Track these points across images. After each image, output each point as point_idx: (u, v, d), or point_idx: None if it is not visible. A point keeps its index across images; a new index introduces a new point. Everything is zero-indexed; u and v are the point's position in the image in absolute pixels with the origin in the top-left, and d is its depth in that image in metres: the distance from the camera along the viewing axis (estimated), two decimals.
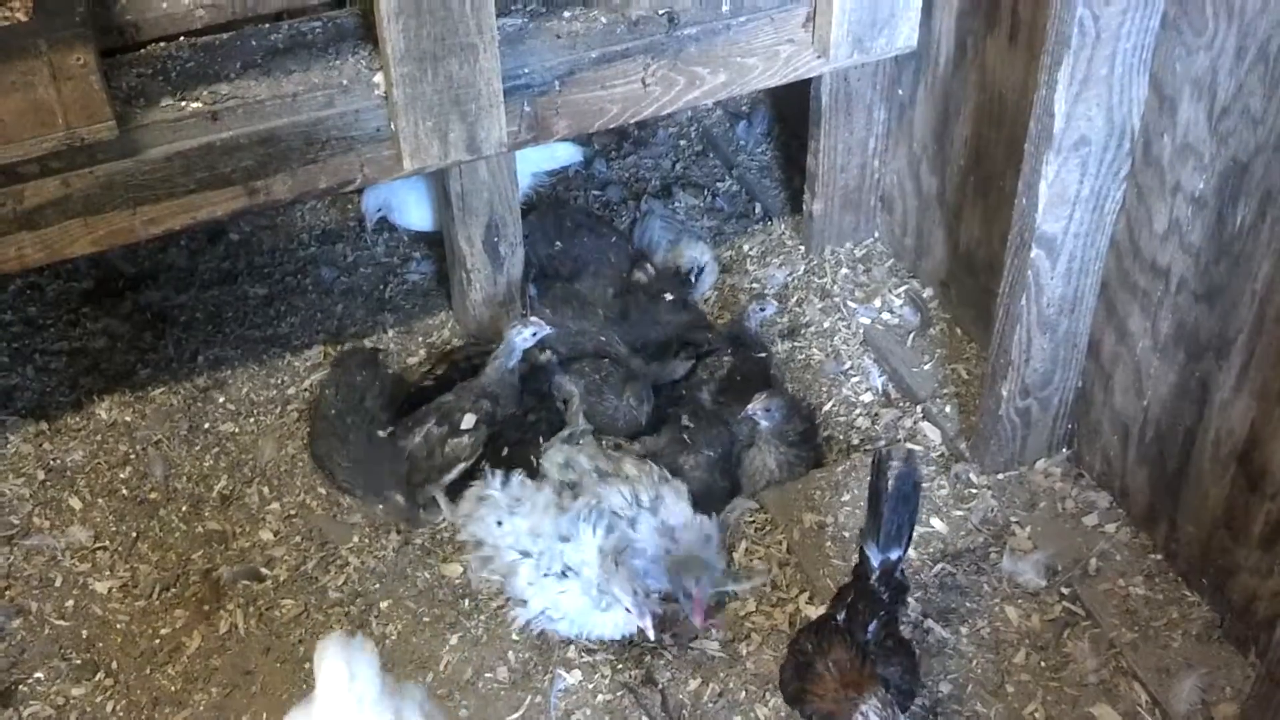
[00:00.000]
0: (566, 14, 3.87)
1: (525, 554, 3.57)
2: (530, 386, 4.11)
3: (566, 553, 3.51)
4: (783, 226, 4.96)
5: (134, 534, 3.97)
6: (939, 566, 3.77)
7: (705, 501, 3.80)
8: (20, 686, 3.60)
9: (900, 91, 4.40)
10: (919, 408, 4.22)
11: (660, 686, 3.56)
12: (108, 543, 3.94)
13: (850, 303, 4.60)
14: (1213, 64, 3.11)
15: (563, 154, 5.01)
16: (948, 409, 4.18)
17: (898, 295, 4.59)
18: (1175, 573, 3.68)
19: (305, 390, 4.38)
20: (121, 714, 3.55)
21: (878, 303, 4.57)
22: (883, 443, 4.12)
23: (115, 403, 4.33)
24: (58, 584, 3.84)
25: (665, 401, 4.19)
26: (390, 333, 4.60)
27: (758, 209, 5.07)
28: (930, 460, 4.06)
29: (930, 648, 3.59)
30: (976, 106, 4.03)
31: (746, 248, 4.89)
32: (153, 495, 4.07)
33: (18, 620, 3.75)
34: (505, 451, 3.93)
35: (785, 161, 5.23)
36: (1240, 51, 3.03)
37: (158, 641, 3.70)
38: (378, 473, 3.91)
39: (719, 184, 5.21)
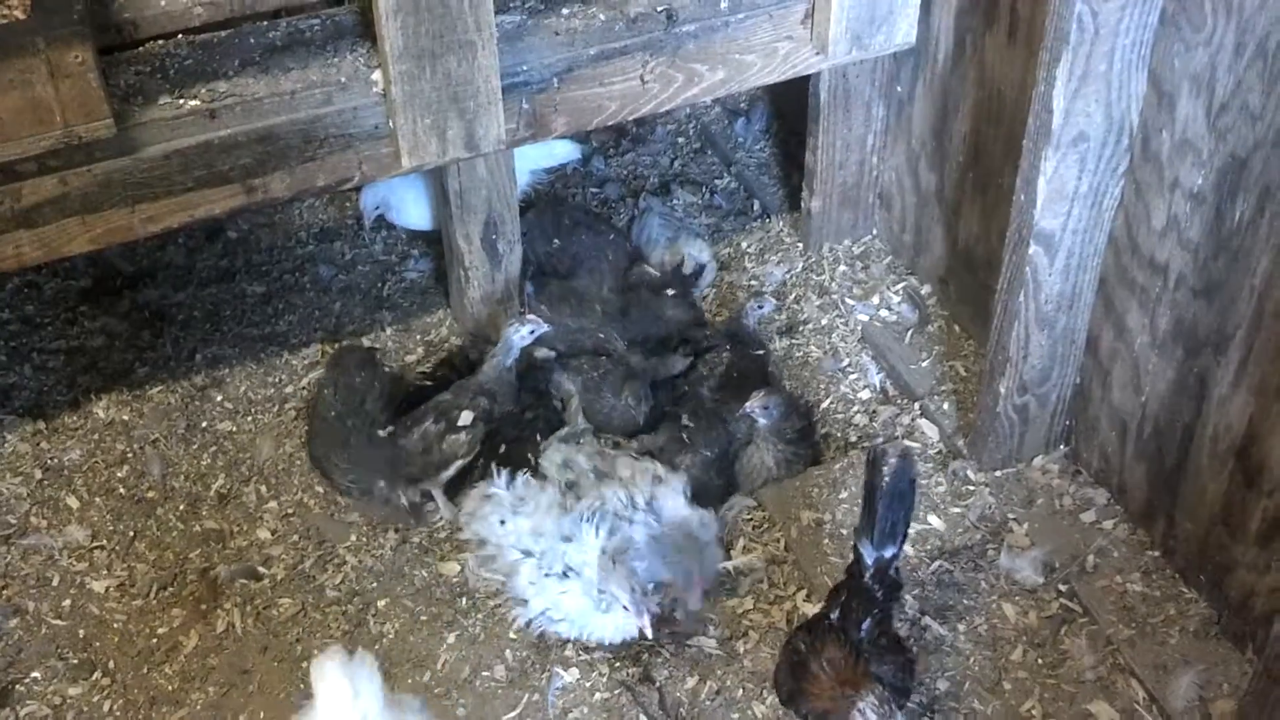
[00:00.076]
0: (565, 11, 3.87)
1: (527, 554, 3.57)
2: (528, 384, 4.11)
3: (568, 553, 3.50)
4: (781, 224, 4.96)
5: (131, 533, 3.96)
6: (936, 564, 3.77)
7: (701, 499, 3.80)
8: (17, 686, 3.60)
9: (899, 88, 4.40)
10: (917, 405, 4.22)
11: (658, 684, 3.56)
12: (105, 542, 3.94)
13: (848, 300, 4.59)
14: (1211, 60, 3.11)
15: (561, 151, 5.00)
16: (946, 406, 4.18)
17: (896, 292, 4.59)
18: (1173, 569, 3.68)
19: (303, 389, 4.38)
20: (119, 713, 3.55)
21: (876, 300, 4.57)
22: (880, 440, 4.12)
23: (113, 401, 4.33)
24: (55, 583, 3.84)
25: (665, 399, 4.19)
26: (388, 331, 4.60)
27: (756, 206, 5.07)
28: (928, 457, 4.06)
29: (927, 645, 3.59)
30: (975, 103, 4.03)
31: (745, 245, 4.89)
32: (150, 494, 4.07)
33: (15, 620, 3.74)
34: (502, 449, 3.93)
35: (784, 158, 5.23)
36: (1239, 48, 3.03)
37: (155, 641, 3.70)
38: (378, 472, 3.91)
39: (717, 181, 5.21)
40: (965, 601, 3.69)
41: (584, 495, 3.68)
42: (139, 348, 4.52)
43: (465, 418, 3.92)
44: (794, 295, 4.65)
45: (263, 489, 4.08)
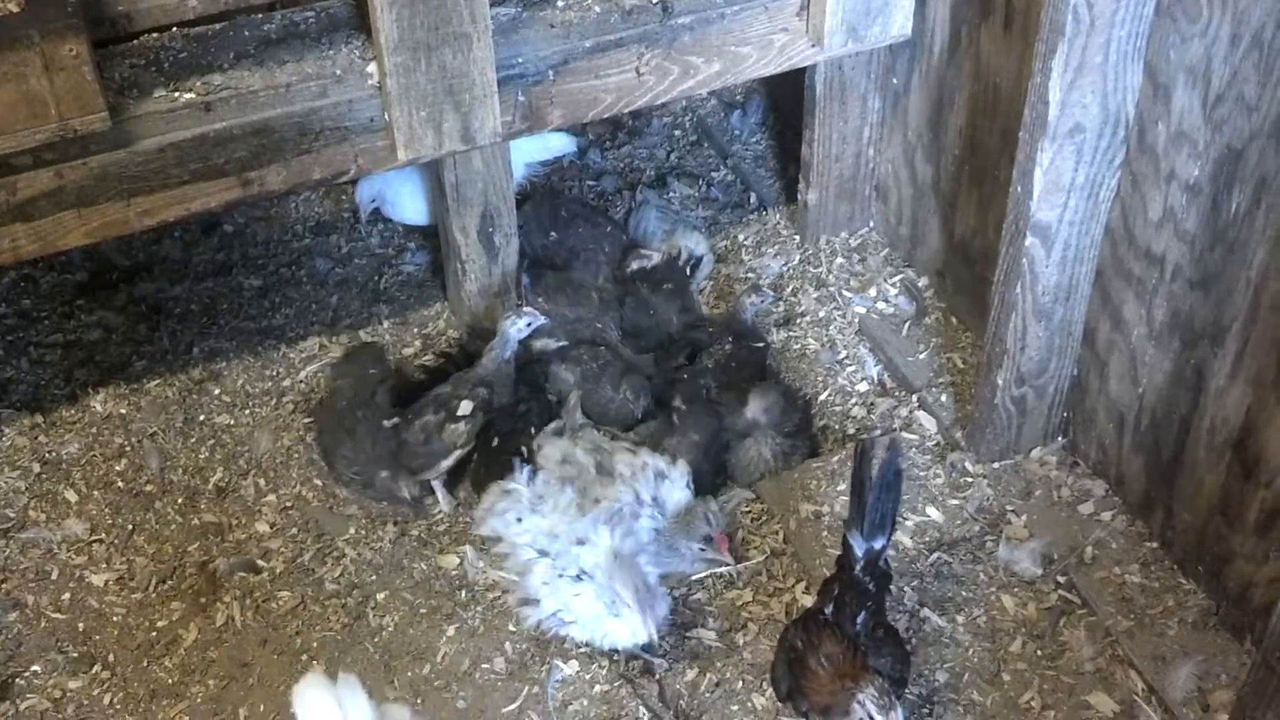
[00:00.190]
0: (560, 3, 3.86)
1: (543, 553, 3.54)
2: (523, 377, 4.12)
3: (582, 556, 3.48)
4: (778, 216, 4.96)
5: (130, 526, 3.96)
6: (935, 555, 3.77)
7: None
8: (17, 680, 3.60)
9: (895, 80, 4.39)
10: (914, 397, 4.22)
11: (657, 676, 3.56)
12: (104, 535, 3.94)
13: (845, 292, 4.59)
14: (1207, 51, 3.11)
15: (556, 144, 5.00)
16: (943, 398, 4.18)
17: (893, 284, 4.59)
18: (1171, 560, 3.69)
19: (301, 382, 4.38)
20: (118, 706, 3.55)
21: (873, 292, 4.57)
22: (878, 432, 4.12)
23: (110, 395, 4.33)
24: (54, 577, 3.84)
25: (660, 387, 4.18)
26: (385, 324, 4.60)
27: (753, 199, 5.06)
28: (926, 449, 4.07)
29: (926, 637, 3.59)
30: (971, 95, 4.03)
31: (741, 237, 4.88)
32: (148, 488, 4.07)
33: (14, 613, 3.75)
34: (495, 442, 3.93)
35: (780, 151, 5.22)
36: (1234, 39, 3.03)
37: (154, 634, 3.70)
38: (381, 463, 3.91)
39: (714, 174, 5.21)
40: (964, 593, 3.70)
41: (594, 494, 3.65)
42: (136, 341, 4.52)
43: (465, 407, 3.92)
44: (791, 288, 4.65)
45: (261, 482, 4.08)
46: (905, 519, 3.85)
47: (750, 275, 4.70)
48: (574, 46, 3.75)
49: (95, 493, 4.05)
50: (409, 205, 4.73)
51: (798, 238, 4.83)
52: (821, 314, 4.55)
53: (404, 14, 3.39)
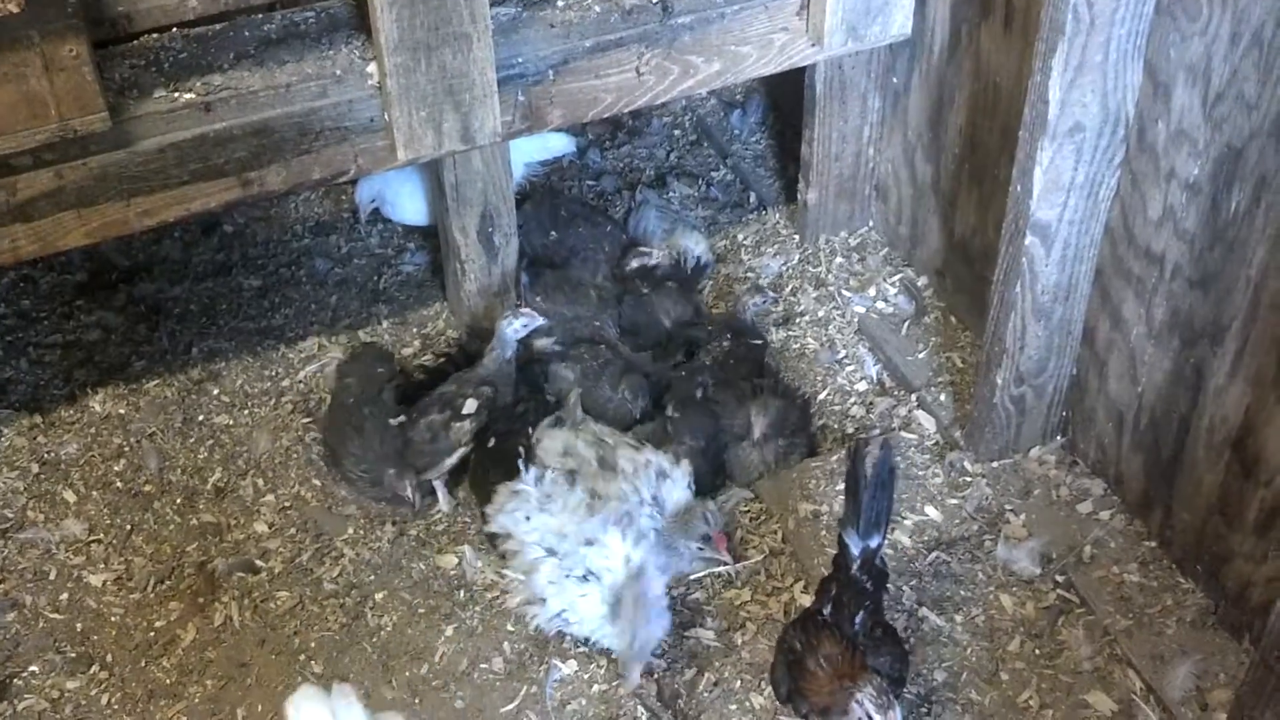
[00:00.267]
0: (560, 2, 3.86)
1: (551, 552, 3.53)
2: (523, 377, 4.12)
3: (590, 557, 3.48)
4: (777, 215, 4.96)
5: (128, 527, 3.96)
6: (934, 554, 3.77)
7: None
8: (15, 680, 3.60)
9: (895, 79, 4.39)
10: (914, 396, 4.22)
11: (656, 676, 3.56)
12: (102, 536, 3.94)
13: (845, 291, 4.59)
14: (1207, 50, 3.11)
15: (556, 144, 5.00)
16: (942, 397, 4.18)
17: (892, 284, 4.59)
18: (1170, 560, 3.69)
19: (300, 382, 4.38)
20: (116, 707, 3.55)
21: (872, 291, 4.57)
22: (877, 431, 4.12)
23: (109, 395, 4.33)
24: (52, 577, 3.84)
25: (662, 385, 4.19)
26: (385, 324, 4.59)
27: (752, 198, 5.06)
28: (925, 448, 4.07)
29: (925, 636, 3.59)
30: (971, 94, 4.03)
31: (741, 237, 4.88)
32: (147, 488, 4.07)
33: (12, 614, 3.75)
34: (492, 442, 3.92)
35: (780, 150, 5.22)
36: (1234, 37, 3.03)
37: (152, 634, 3.70)
38: (386, 461, 3.91)
39: (713, 173, 5.21)
40: (962, 592, 3.70)
41: (594, 487, 3.65)
42: (135, 342, 4.52)
43: (469, 405, 3.93)
44: (790, 287, 4.65)
45: (260, 482, 4.08)
46: (904, 518, 3.86)
47: (750, 275, 4.70)
48: (574, 46, 3.75)
49: (94, 493, 4.05)
50: (408, 206, 4.73)
51: (797, 237, 4.83)
52: (821, 313, 4.55)
53: (404, 14, 3.39)
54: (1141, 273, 3.51)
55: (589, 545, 3.47)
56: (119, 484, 4.08)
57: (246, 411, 4.29)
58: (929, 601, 3.67)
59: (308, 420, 4.24)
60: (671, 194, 5.08)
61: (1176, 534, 3.65)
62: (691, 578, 3.76)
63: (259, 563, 3.86)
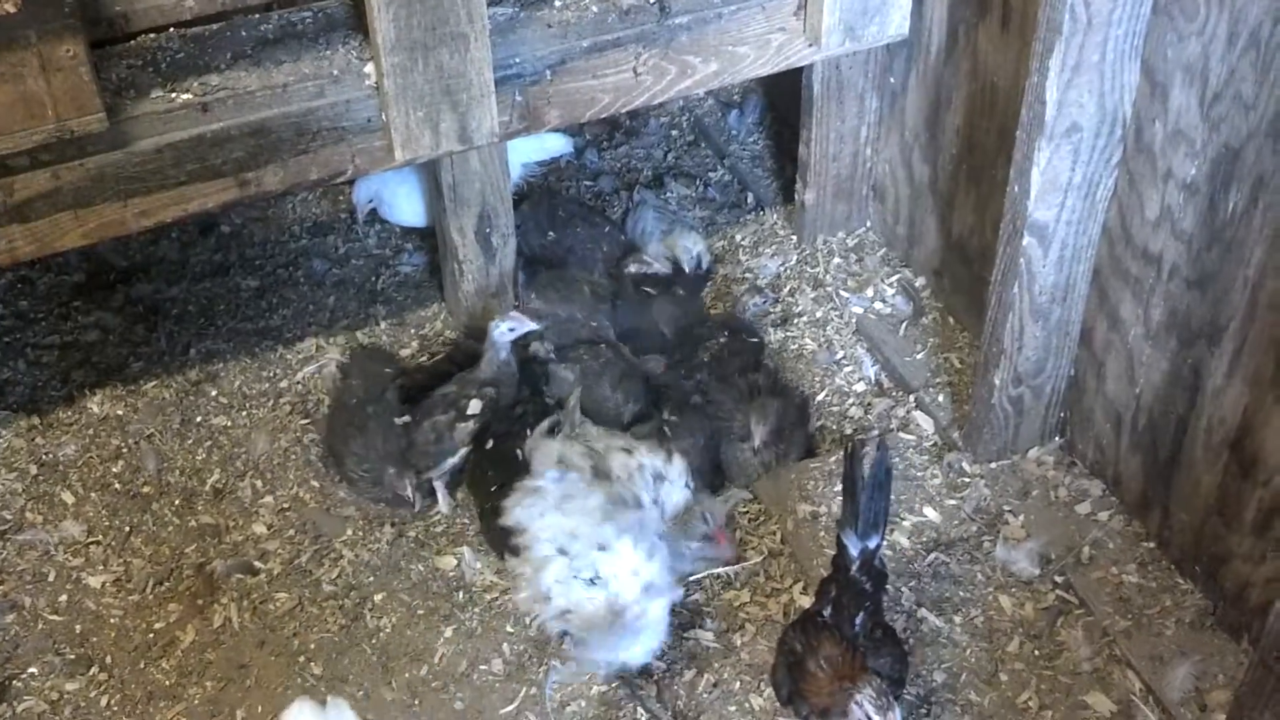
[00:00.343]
0: (557, 3, 3.86)
1: (562, 552, 3.52)
2: (523, 378, 4.11)
3: (600, 561, 3.46)
4: (775, 216, 4.96)
5: (127, 528, 3.96)
6: (932, 555, 3.77)
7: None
8: (14, 682, 3.59)
9: (892, 80, 4.39)
10: (912, 397, 4.22)
11: (655, 677, 3.56)
12: (100, 537, 3.93)
13: (843, 292, 4.59)
14: (1204, 50, 3.11)
15: (553, 144, 5.00)
16: (940, 398, 4.18)
17: (890, 284, 4.59)
18: (1168, 560, 3.69)
19: (298, 383, 4.38)
20: (115, 709, 3.54)
21: (870, 292, 4.57)
22: (875, 432, 4.12)
23: (107, 396, 4.32)
24: (51, 579, 3.84)
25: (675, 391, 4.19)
26: (382, 324, 4.59)
27: (750, 199, 5.06)
28: (923, 449, 4.07)
29: (924, 637, 3.59)
30: (968, 94, 4.03)
31: (739, 238, 4.88)
32: (145, 489, 4.06)
33: (11, 615, 3.74)
34: (491, 444, 3.92)
35: (777, 151, 5.22)
36: (1232, 37, 3.03)
37: (151, 636, 3.70)
38: (389, 460, 3.91)
39: (711, 174, 5.20)
40: (961, 593, 3.70)
41: (623, 502, 3.63)
42: (133, 343, 4.52)
43: (474, 406, 3.94)
44: (788, 288, 4.65)
45: (258, 484, 4.08)
46: (902, 519, 3.86)
47: (747, 275, 4.70)
48: (571, 46, 3.75)
49: (92, 494, 4.05)
50: (405, 207, 4.72)
51: (795, 238, 4.83)
52: (819, 314, 4.54)
53: (401, 14, 3.38)
54: (1139, 273, 3.51)
55: (601, 550, 3.45)
56: (117, 485, 4.08)
57: (245, 413, 4.29)
58: (928, 602, 3.67)
59: (306, 421, 4.24)
60: (669, 194, 5.08)
61: (1175, 535, 3.65)
62: (691, 579, 3.76)
63: (258, 564, 3.85)
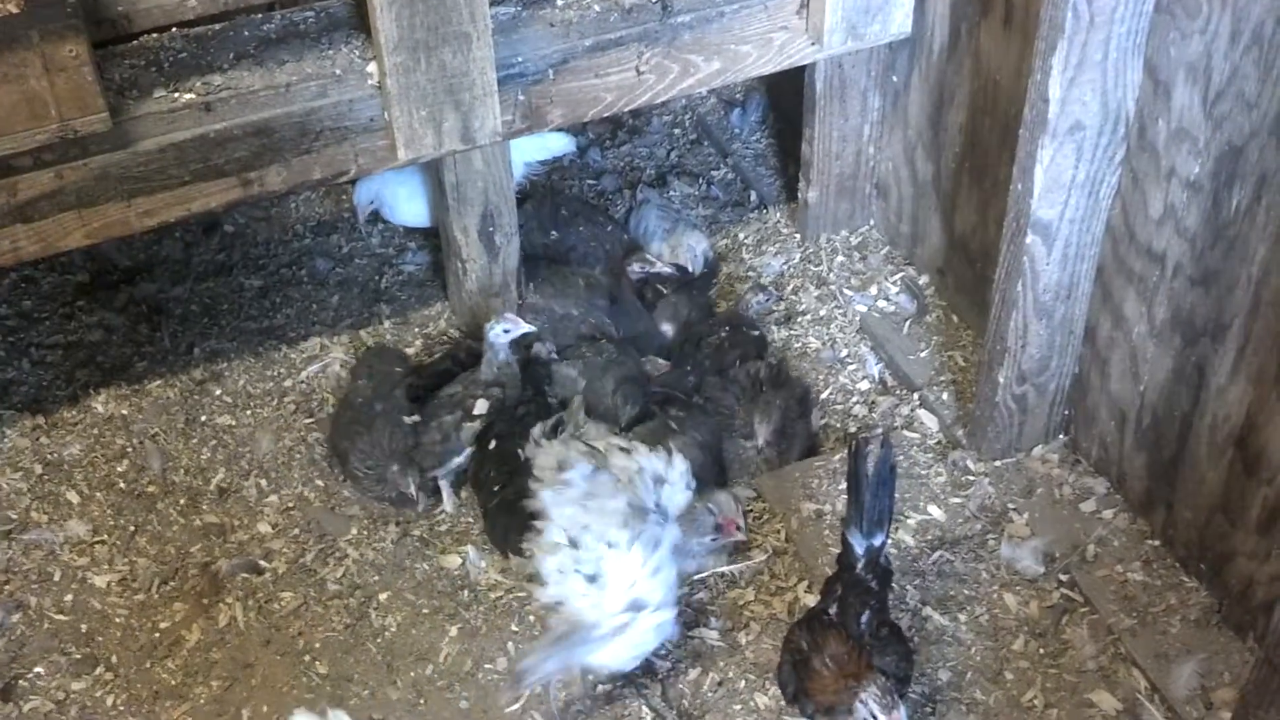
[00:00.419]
0: (560, 2, 3.86)
1: (573, 543, 3.50)
2: (526, 378, 4.11)
3: (604, 558, 3.45)
4: (778, 214, 4.96)
5: (132, 528, 3.96)
6: (937, 554, 3.77)
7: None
8: (20, 681, 3.60)
9: (895, 78, 4.39)
10: (916, 395, 4.22)
11: (660, 676, 3.56)
12: (106, 537, 3.94)
13: (846, 290, 4.59)
14: (1207, 48, 3.10)
15: (556, 143, 5.00)
16: (945, 396, 4.18)
17: (894, 283, 4.58)
18: (1173, 558, 3.69)
19: (302, 382, 4.38)
20: (121, 708, 3.55)
21: (874, 290, 4.57)
22: (879, 431, 4.12)
23: (112, 396, 4.33)
24: (56, 578, 3.84)
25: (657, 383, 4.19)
26: (386, 324, 4.59)
27: (753, 197, 5.06)
28: (927, 447, 4.07)
29: (929, 635, 3.59)
30: (971, 92, 4.02)
31: (742, 236, 4.88)
32: (150, 489, 4.07)
33: (17, 615, 3.75)
34: (493, 444, 3.92)
35: (780, 149, 5.22)
36: (1234, 35, 3.02)
37: (157, 635, 3.70)
38: (393, 458, 3.91)
39: (714, 172, 5.20)
40: (966, 591, 3.69)
41: (638, 515, 3.61)
42: (137, 342, 4.52)
43: (481, 406, 3.96)
44: (792, 286, 4.65)
45: (263, 483, 4.08)
46: (907, 517, 3.86)
47: (751, 274, 4.70)
48: (574, 45, 3.75)
49: (97, 494, 4.05)
50: (407, 208, 4.72)
51: (798, 236, 4.83)
52: (822, 312, 4.54)
53: (403, 13, 3.38)
54: (1143, 271, 3.51)
55: (611, 548, 3.44)
56: (122, 485, 4.08)
57: (249, 412, 4.29)
58: (933, 601, 3.67)
59: (310, 420, 4.24)
60: (672, 193, 5.08)
61: (1179, 532, 3.65)
62: (695, 578, 3.76)
63: (263, 563, 3.86)
